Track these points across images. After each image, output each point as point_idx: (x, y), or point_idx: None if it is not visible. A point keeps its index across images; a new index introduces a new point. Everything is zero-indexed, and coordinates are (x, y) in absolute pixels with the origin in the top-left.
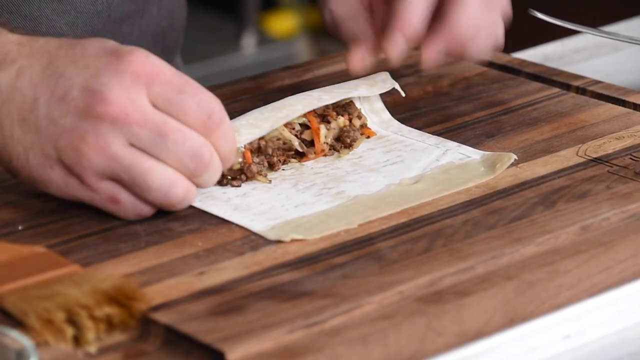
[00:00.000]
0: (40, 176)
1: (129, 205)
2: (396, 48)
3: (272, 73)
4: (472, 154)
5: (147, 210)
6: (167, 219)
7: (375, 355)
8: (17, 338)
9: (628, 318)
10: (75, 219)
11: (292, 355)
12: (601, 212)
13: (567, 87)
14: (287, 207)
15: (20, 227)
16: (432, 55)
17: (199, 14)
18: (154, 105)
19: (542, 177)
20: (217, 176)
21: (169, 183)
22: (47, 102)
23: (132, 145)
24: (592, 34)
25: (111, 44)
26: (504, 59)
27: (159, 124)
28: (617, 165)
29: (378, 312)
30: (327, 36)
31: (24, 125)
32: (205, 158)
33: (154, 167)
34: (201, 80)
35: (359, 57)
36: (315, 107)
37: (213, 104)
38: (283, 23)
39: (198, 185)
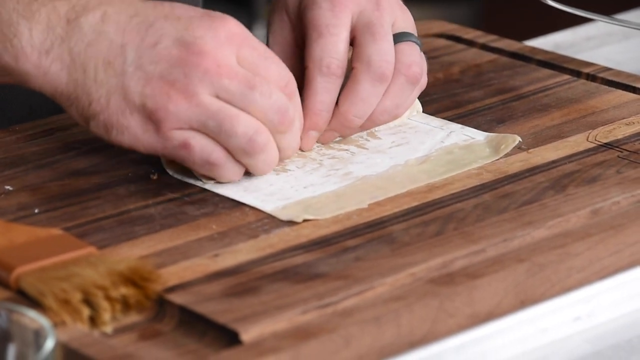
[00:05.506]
0: (118, 121)
1: (198, 150)
2: (309, 143)
3: None
4: (476, 135)
5: (215, 156)
6: (182, 203)
7: (388, 335)
8: (35, 318)
9: (638, 300)
10: (91, 202)
11: (306, 335)
12: (611, 196)
13: (577, 74)
14: (296, 188)
15: (36, 210)
16: (326, 140)
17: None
18: (241, 66)
19: (553, 162)
20: (297, 142)
21: (254, 129)
22: (137, 48)
23: (219, 97)
24: (604, 22)
25: (199, 7)
26: (514, 46)
27: (248, 77)
28: (627, 151)
29: (390, 294)
30: None
31: (109, 69)
32: (289, 114)
33: (241, 114)
34: None
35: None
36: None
37: (290, 74)
38: None
39: (279, 146)
